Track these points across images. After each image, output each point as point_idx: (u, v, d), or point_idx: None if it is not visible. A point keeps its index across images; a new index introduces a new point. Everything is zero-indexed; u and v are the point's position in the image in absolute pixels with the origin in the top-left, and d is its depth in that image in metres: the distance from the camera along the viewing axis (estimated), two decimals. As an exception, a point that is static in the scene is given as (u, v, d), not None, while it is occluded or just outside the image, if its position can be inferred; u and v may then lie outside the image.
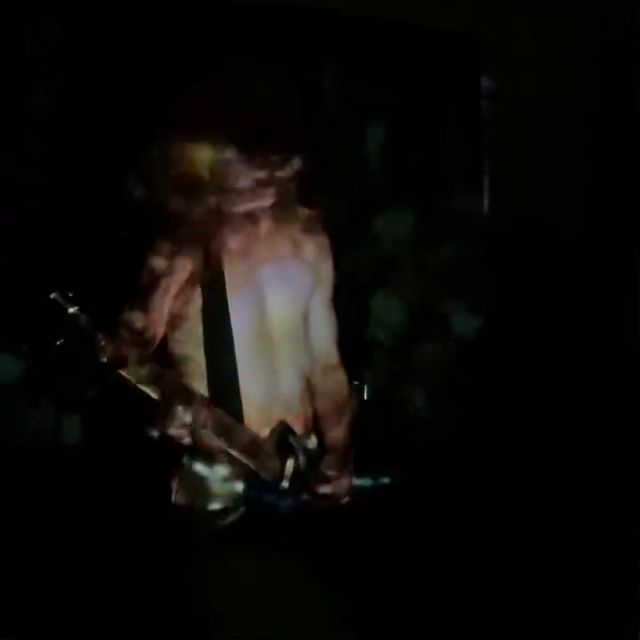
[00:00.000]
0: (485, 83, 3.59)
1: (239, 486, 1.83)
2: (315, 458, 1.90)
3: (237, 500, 1.84)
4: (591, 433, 3.41)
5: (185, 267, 1.83)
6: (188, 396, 1.72)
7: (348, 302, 3.49)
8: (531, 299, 3.58)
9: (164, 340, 1.89)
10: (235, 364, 1.81)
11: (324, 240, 1.99)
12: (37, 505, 2.80)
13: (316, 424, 1.98)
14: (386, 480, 2.01)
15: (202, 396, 1.77)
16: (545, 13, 3.54)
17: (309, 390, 1.98)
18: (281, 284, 1.88)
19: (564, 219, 3.60)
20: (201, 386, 1.82)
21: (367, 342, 3.04)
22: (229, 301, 1.82)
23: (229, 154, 1.77)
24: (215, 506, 1.85)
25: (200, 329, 1.83)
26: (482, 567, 2.98)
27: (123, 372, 1.66)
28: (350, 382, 2.82)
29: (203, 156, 1.78)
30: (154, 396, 1.70)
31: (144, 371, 1.67)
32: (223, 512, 1.84)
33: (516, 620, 2.75)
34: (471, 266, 3.63)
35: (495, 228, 3.62)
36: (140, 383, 1.68)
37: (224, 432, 1.76)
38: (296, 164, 1.84)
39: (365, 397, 2.88)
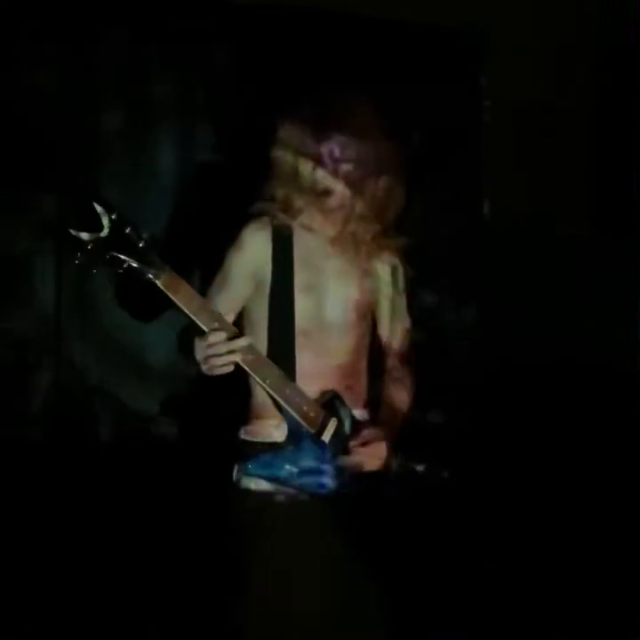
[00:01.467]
0: (485, 83, 3.59)
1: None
2: (358, 426, 2.12)
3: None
4: (591, 434, 3.41)
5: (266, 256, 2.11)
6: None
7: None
8: (530, 299, 3.58)
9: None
10: (292, 335, 2.09)
11: (396, 262, 2.29)
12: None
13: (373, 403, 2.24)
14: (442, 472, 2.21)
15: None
16: (545, 13, 3.54)
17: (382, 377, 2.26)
18: (341, 285, 2.17)
19: (564, 219, 3.60)
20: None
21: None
22: (296, 285, 2.11)
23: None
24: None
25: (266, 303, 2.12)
26: (481, 567, 2.98)
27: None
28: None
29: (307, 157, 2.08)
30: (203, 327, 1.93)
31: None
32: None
33: (516, 621, 2.75)
34: (469, 266, 3.62)
35: (494, 228, 3.61)
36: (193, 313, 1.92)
37: (266, 376, 2.01)
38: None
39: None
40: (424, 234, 3.54)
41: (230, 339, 1.94)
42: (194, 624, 2.65)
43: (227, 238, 2.17)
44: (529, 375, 3.53)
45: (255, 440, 2.13)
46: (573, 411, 3.49)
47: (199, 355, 1.97)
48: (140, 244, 1.87)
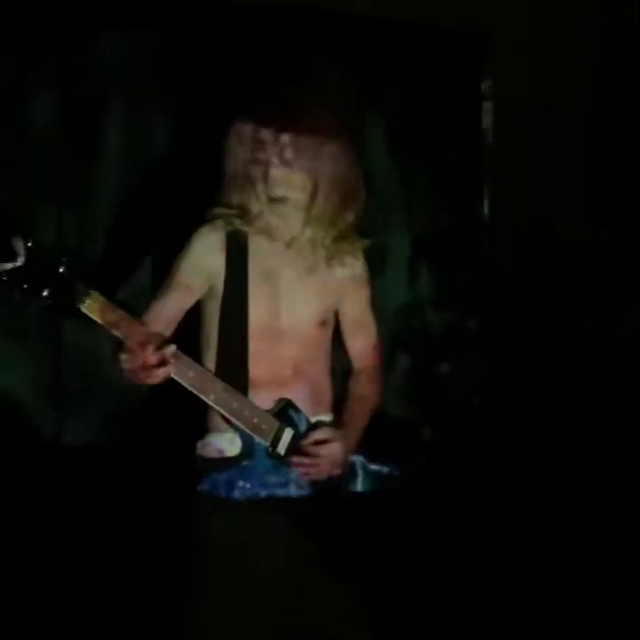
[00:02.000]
0: (485, 83, 3.59)
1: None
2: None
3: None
4: (591, 433, 3.41)
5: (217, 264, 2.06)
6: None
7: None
8: (530, 299, 3.58)
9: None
10: (245, 345, 2.03)
11: (358, 262, 2.19)
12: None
13: (337, 407, 2.17)
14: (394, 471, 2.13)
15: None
16: (545, 13, 3.54)
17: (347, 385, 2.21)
18: (298, 293, 2.10)
19: (564, 219, 3.60)
20: (210, 358, 2.04)
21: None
22: (250, 294, 2.05)
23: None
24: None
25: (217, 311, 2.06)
26: (481, 566, 2.98)
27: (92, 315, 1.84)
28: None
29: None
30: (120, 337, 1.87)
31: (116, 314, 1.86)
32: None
33: (516, 621, 2.76)
34: (470, 266, 3.63)
35: (495, 228, 3.61)
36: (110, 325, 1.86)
37: (212, 392, 1.94)
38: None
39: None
40: (423, 233, 3.57)
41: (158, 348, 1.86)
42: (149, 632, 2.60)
43: (179, 244, 2.10)
44: (529, 375, 3.53)
45: (209, 456, 2.06)
46: (573, 410, 3.49)
47: (125, 366, 1.89)
48: (61, 270, 1.79)
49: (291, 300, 2.09)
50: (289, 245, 2.11)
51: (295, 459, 1.99)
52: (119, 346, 1.89)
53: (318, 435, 2.02)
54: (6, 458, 2.86)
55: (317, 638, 2.02)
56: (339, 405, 2.17)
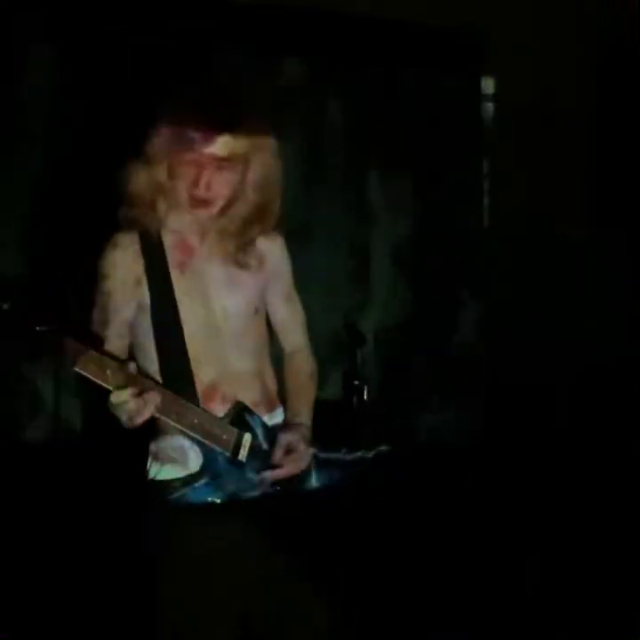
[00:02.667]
0: (485, 82, 3.59)
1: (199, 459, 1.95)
2: (276, 432, 2.02)
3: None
4: (591, 433, 3.42)
5: (136, 269, 1.95)
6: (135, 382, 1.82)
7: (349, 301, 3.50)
8: (530, 299, 3.58)
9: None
10: (185, 351, 1.95)
11: (278, 239, 2.11)
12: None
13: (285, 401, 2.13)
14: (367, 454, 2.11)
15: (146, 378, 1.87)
16: (545, 13, 3.54)
17: (281, 371, 2.15)
18: (225, 285, 2.02)
19: (564, 219, 3.60)
20: (154, 371, 1.95)
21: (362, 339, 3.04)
22: (177, 297, 1.96)
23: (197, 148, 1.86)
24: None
25: (149, 322, 1.96)
26: (481, 566, 2.99)
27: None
28: (351, 383, 2.89)
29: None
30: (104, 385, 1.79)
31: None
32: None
33: (516, 621, 2.76)
34: (471, 265, 3.63)
35: (494, 228, 3.62)
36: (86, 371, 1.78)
37: (174, 411, 1.87)
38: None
39: (365, 398, 2.90)
40: (425, 233, 3.58)
41: (140, 393, 1.79)
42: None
43: (94, 259, 1.96)
44: (529, 374, 3.54)
45: (168, 477, 1.96)
46: (573, 409, 3.49)
47: (119, 414, 1.81)
48: (4, 306, 1.71)
49: (220, 294, 2.01)
50: (202, 237, 2.00)
51: (270, 473, 1.95)
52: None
53: (282, 443, 1.97)
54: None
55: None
56: (283, 392, 2.14)
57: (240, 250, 2.02)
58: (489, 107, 3.59)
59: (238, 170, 1.91)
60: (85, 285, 1.98)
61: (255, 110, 1.95)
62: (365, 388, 2.92)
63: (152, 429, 1.97)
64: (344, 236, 3.49)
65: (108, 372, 1.79)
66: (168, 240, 1.98)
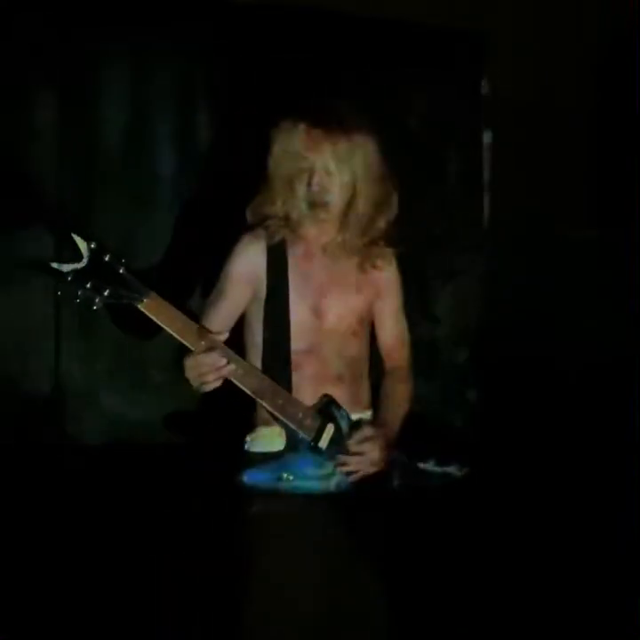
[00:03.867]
0: (485, 82, 3.59)
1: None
2: (357, 428, 2.13)
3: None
4: (590, 432, 3.42)
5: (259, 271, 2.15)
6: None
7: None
8: (530, 299, 3.58)
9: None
10: (288, 344, 2.12)
11: (392, 258, 2.26)
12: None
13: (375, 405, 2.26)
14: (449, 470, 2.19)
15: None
16: (545, 13, 3.54)
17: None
18: (337, 290, 2.18)
19: (564, 219, 3.61)
20: (255, 357, 2.14)
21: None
22: (291, 298, 2.14)
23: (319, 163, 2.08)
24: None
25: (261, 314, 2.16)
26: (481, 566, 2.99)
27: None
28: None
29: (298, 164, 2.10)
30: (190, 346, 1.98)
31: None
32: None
33: (516, 622, 2.76)
34: (470, 265, 3.63)
35: (495, 228, 3.62)
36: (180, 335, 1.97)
37: (266, 393, 2.05)
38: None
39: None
40: (424, 233, 3.57)
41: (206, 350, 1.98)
42: (198, 624, 2.67)
43: (224, 253, 2.19)
44: (529, 374, 3.54)
45: (256, 450, 2.15)
46: (573, 409, 3.49)
47: (189, 374, 2.01)
48: (121, 271, 1.90)
49: (330, 300, 2.17)
50: (324, 250, 2.18)
51: (341, 457, 2.08)
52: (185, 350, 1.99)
53: (362, 433, 2.09)
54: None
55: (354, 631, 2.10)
56: (376, 403, 2.25)
57: (356, 265, 2.19)
58: (489, 107, 3.59)
59: (347, 172, 2.08)
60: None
61: (351, 116, 2.12)
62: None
63: (247, 422, 2.17)
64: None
65: (182, 325, 1.97)
66: (291, 246, 2.16)
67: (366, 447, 2.07)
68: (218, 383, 2.00)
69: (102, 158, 3.15)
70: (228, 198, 2.38)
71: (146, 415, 3.16)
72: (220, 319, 2.14)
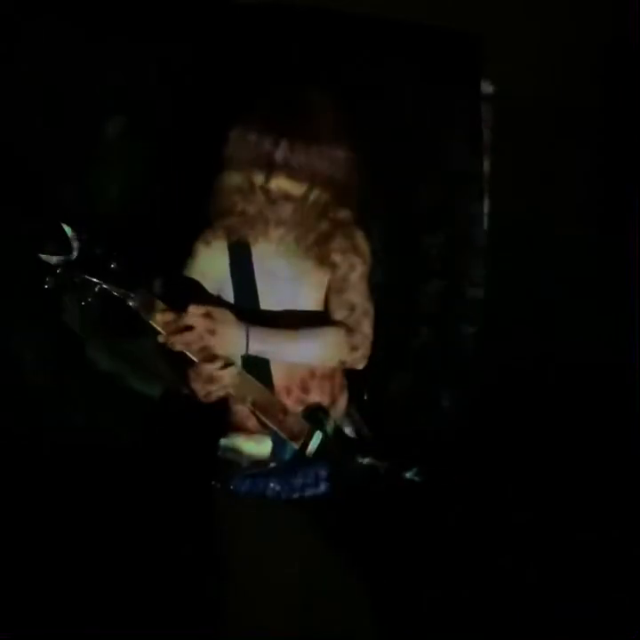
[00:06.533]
0: (485, 83, 3.59)
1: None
2: (345, 434, 2.09)
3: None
4: (590, 432, 3.42)
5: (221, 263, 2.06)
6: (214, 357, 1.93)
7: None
8: (530, 299, 3.58)
9: None
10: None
11: (358, 248, 2.14)
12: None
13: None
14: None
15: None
16: (545, 13, 3.54)
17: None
18: (298, 282, 2.08)
19: (564, 219, 3.61)
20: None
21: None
22: (260, 297, 2.05)
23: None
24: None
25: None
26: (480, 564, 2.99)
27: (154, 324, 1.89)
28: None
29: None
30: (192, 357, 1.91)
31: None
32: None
33: (516, 621, 2.76)
34: (470, 265, 3.63)
35: (495, 228, 3.62)
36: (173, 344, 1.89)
37: (254, 397, 1.98)
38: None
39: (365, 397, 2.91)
40: (424, 232, 3.57)
41: (221, 367, 1.91)
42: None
43: (184, 253, 2.11)
44: (529, 374, 3.54)
45: (235, 459, 2.06)
46: (572, 408, 3.49)
47: (196, 385, 1.94)
48: (112, 265, 1.83)
49: (298, 298, 2.08)
50: (283, 245, 2.07)
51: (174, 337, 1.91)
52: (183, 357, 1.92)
53: (203, 308, 1.94)
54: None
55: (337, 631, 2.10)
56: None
57: (319, 243, 2.07)
58: (489, 107, 3.59)
59: (305, 164, 1.97)
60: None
61: (316, 113, 2.02)
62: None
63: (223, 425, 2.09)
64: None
65: (172, 321, 1.88)
66: (253, 241, 2.07)
67: (200, 322, 1.92)
68: (222, 392, 1.94)
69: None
70: (185, 199, 2.33)
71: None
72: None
